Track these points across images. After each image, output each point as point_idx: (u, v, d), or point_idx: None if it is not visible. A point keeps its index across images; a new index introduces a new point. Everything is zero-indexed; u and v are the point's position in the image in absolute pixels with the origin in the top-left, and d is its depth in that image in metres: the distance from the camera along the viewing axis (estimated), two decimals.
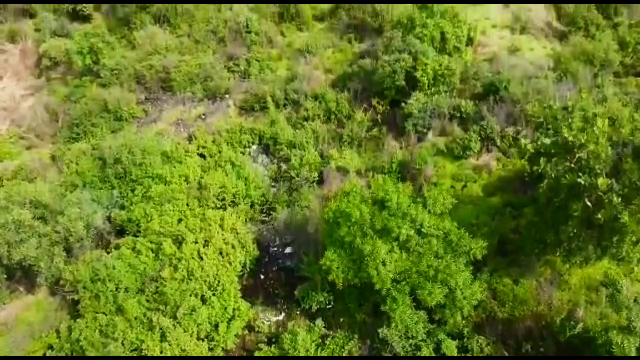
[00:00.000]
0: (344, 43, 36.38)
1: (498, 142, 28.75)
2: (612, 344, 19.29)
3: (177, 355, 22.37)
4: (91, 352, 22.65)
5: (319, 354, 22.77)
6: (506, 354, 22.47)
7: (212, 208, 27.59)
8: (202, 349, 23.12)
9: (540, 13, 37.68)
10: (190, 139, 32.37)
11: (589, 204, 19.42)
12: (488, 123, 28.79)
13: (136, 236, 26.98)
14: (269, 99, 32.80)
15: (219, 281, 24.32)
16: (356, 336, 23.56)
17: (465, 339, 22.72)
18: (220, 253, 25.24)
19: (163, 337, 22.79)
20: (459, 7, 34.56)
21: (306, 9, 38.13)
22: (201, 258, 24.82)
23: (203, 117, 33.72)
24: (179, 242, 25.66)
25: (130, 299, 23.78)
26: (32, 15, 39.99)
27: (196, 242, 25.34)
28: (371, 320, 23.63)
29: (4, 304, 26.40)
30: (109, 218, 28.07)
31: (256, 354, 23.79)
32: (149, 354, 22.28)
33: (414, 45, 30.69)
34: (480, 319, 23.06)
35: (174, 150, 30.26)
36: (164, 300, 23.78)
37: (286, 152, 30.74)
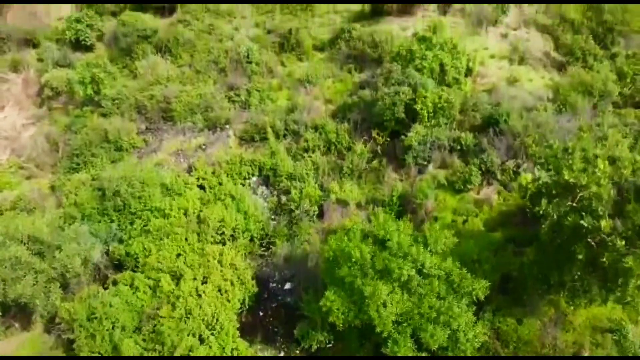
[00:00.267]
0: (344, 73, 36.65)
1: (499, 175, 28.67)
2: None
3: None
4: None
5: None
6: None
7: (212, 242, 27.35)
8: None
9: (538, 43, 38.07)
10: (190, 169, 32.32)
11: (593, 244, 19.18)
12: (488, 156, 28.75)
13: (134, 271, 26.68)
14: (269, 129, 32.88)
15: (217, 320, 23.92)
16: None
17: None
18: (219, 290, 24.90)
19: None
20: (457, 38, 34.96)
21: (306, 39, 38.55)
22: (199, 296, 24.46)
23: (203, 147, 33.73)
24: (177, 278, 25.35)
25: (126, 339, 23.34)
26: (35, 45, 40.42)
27: (195, 279, 25.02)
28: None
29: None
30: (107, 252, 27.81)
31: None
32: None
33: (413, 78, 30.88)
34: None
35: (173, 182, 30.17)
36: (161, 340, 23.33)
37: (286, 184, 30.65)
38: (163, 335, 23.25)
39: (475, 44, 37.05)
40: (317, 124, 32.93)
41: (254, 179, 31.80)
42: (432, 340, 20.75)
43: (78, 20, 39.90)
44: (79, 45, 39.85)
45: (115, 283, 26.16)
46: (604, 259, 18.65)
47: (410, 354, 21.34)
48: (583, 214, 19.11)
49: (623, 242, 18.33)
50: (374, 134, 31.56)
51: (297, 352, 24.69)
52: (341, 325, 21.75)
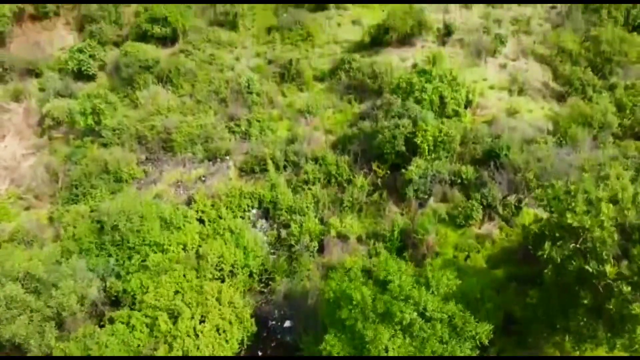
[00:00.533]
0: (344, 103, 36.80)
1: (500, 210, 28.46)
2: None
3: None
4: None
5: None
6: None
7: (210, 279, 26.95)
8: None
9: (537, 73, 38.33)
10: (189, 201, 32.08)
11: (599, 287, 18.82)
12: (489, 190, 28.59)
13: (131, 308, 26.23)
14: (269, 161, 32.81)
15: None
16: None
17: None
18: (217, 330, 24.41)
19: None
20: (457, 70, 35.18)
21: (307, 69, 38.84)
22: (197, 336, 23.97)
23: (203, 179, 33.62)
24: (174, 316, 24.88)
25: None
26: (37, 75, 40.75)
27: (192, 318, 24.56)
28: None
29: None
30: (104, 288, 27.39)
31: None
32: None
33: (413, 111, 30.95)
34: None
35: (172, 215, 29.90)
36: None
37: (286, 217, 30.41)
38: None
39: (475, 74, 37.29)
40: (317, 156, 32.90)
41: (254, 211, 31.56)
42: None
43: (80, 51, 40.33)
44: (81, 75, 40.20)
45: (111, 321, 25.68)
46: (611, 306, 18.29)
47: None
48: (588, 257, 18.83)
49: (629, 288, 18.02)
50: (374, 166, 31.48)
51: None
52: None
